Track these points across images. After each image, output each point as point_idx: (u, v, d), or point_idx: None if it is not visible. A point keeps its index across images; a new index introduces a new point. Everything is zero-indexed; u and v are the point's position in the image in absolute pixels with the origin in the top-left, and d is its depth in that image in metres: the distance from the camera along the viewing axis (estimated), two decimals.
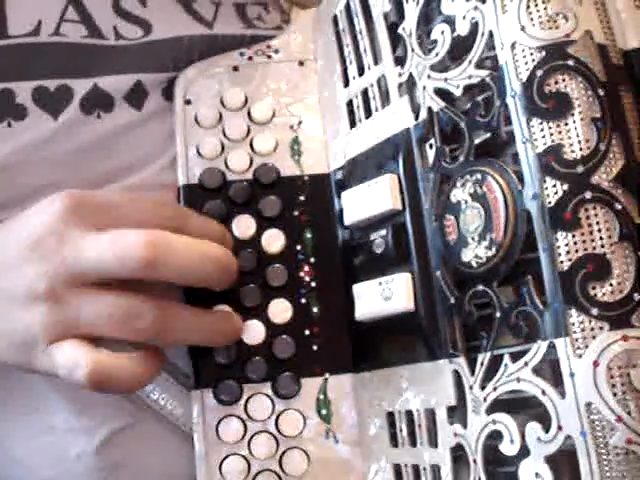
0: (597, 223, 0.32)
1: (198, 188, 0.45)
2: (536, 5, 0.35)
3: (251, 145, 0.46)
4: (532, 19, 0.35)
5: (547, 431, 0.33)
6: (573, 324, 0.32)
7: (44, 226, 0.40)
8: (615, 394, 0.31)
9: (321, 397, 0.43)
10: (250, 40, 0.49)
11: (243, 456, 0.42)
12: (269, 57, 0.48)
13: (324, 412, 0.43)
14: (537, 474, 0.33)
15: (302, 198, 0.45)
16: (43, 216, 0.40)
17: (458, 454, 0.37)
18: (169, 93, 0.48)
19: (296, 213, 0.45)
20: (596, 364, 0.31)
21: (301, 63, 0.48)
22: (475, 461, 0.36)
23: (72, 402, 0.46)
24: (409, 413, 0.40)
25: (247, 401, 0.43)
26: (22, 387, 0.47)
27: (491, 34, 0.36)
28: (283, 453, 0.42)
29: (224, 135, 0.46)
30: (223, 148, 0.46)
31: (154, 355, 0.41)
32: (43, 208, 0.41)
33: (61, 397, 0.46)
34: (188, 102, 0.47)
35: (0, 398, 0.47)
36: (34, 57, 0.46)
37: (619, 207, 0.32)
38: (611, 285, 0.32)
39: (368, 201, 0.41)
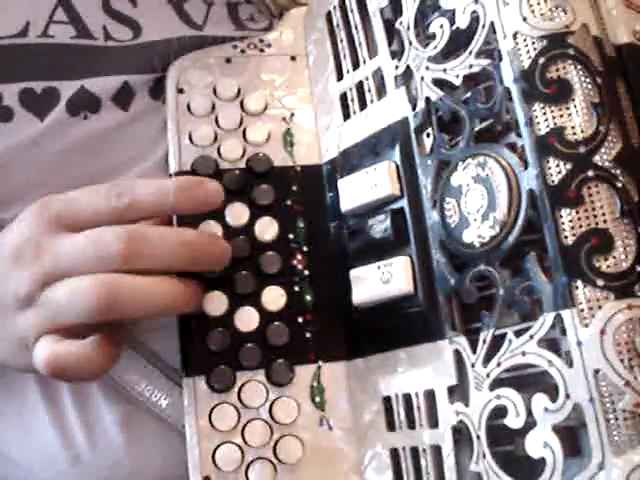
0: (600, 200, 0.34)
1: (190, 175, 0.45)
2: None
3: (244, 135, 0.46)
4: (533, 11, 0.37)
5: (554, 401, 0.34)
6: (579, 295, 0.33)
7: (21, 236, 0.41)
8: (622, 360, 0.32)
9: (315, 384, 0.43)
10: (239, 40, 0.49)
11: (237, 444, 0.41)
12: (261, 51, 0.48)
13: (318, 400, 0.43)
14: (545, 443, 0.34)
15: (295, 188, 0.46)
16: (19, 226, 0.42)
17: (459, 433, 0.38)
18: (156, 92, 0.48)
19: (289, 202, 0.45)
20: (603, 332, 0.33)
21: (293, 58, 0.49)
22: (478, 437, 0.36)
23: (65, 402, 0.46)
24: (407, 396, 0.40)
25: (240, 388, 0.42)
26: (12, 389, 0.46)
27: (492, 25, 0.38)
28: (277, 441, 0.42)
29: (217, 124, 0.46)
30: (216, 137, 0.46)
31: (112, 341, 0.40)
32: (20, 219, 0.42)
33: (53, 398, 0.46)
34: (181, 91, 0.47)
35: None
36: (21, 58, 0.46)
37: (619, 185, 0.34)
38: (614, 258, 0.33)
39: (366, 187, 0.42)
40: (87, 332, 0.40)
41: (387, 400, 0.41)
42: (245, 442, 0.41)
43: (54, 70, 0.46)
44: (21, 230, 0.42)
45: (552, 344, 0.34)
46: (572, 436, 0.33)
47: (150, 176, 0.47)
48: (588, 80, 0.35)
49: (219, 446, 0.41)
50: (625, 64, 0.37)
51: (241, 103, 0.47)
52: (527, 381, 0.35)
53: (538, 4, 0.37)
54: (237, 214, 0.44)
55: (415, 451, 0.39)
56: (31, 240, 0.41)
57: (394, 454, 0.41)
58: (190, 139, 0.46)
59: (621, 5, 0.38)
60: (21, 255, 0.41)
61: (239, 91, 0.47)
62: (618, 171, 0.34)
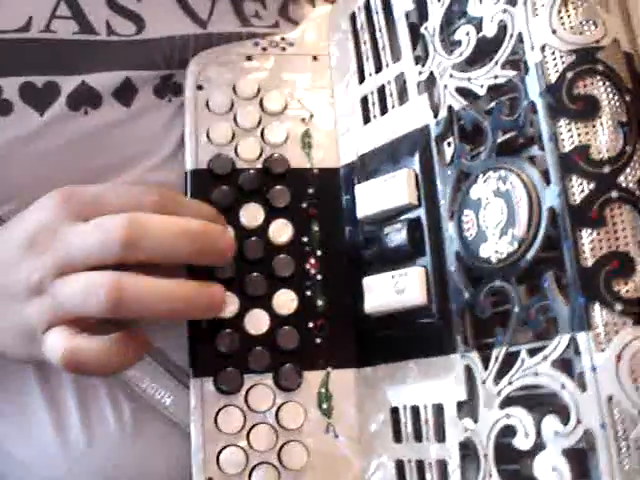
0: (622, 222, 0.33)
1: (206, 174, 0.44)
2: (567, 10, 0.36)
3: (262, 135, 0.46)
4: (563, 23, 0.36)
5: (565, 424, 0.33)
6: (596, 319, 0.33)
7: (38, 223, 0.41)
8: (637, 388, 0.31)
9: (322, 391, 0.43)
10: (246, 39, 0.49)
11: (241, 447, 0.41)
12: (283, 49, 0.48)
13: (325, 406, 0.43)
14: (554, 468, 0.33)
15: (311, 191, 0.45)
16: (37, 213, 0.42)
17: (467, 449, 0.37)
18: (160, 90, 0.47)
19: (304, 205, 0.45)
20: (619, 358, 0.32)
21: (315, 58, 0.48)
22: (486, 456, 0.36)
23: (68, 401, 0.45)
24: (415, 408, 0.40)
25: (248, 392, 0.42)
26: (12, 389, 0.46)
27: (520, 36, 0.37)
28: (282, 446, 0.42)
29: (235, 123, 0.46)
30: (234, 135, 0.45)
31: (133, 339, 0.40)
32: (38, 205, 0.42)
33: (55, 396, 0.46)
34: (200, 87, 0.46)
35: None
36: (23, 53, 0.46)
37: None
38: (634, 282, 0.33)
39: (384, 195, 0.42)
40: (100, 325, 0.40)
41: (395, 411, 0.41)
42: (250, 446, 0.41)
43: (55, 65, 0.46)
44: (38, 217, 0.41)
45: (566, 366, 0.34)
46: (582, 459, 0.33)
47: (153, 175, 0.46)
48: (616, 97, 0.35)
49: (224, 448, 0.41)
50: None
51: (260, 102, 0.46)
52: (538, 401, 0.35)
53: (569, 17, 0.36)
54: (252, 215, 0.44)
55: (421, 464, 0.39)
56: (47, 228, 0.40)
57: (399, 466, 0.40)
58: (208, 137, 0.45)
59: None
60: (35, 243, 0.40)
61: (259, 90, 0.46)
62: None
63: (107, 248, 0.38)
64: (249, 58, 0.47)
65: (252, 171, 0.45)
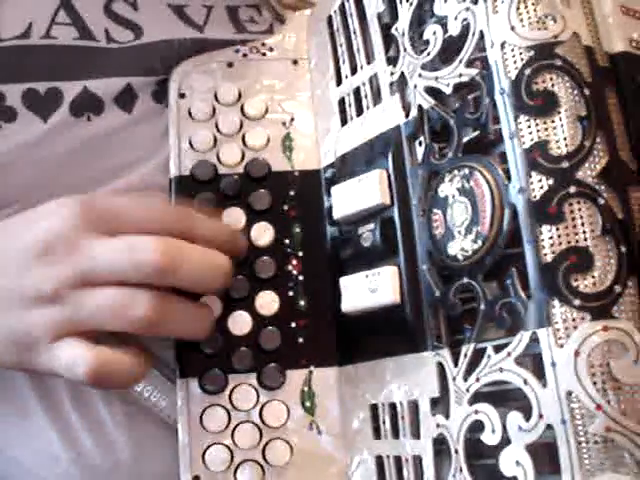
0: (581, 217, 0.33)
1: (189, 180, 0.46)
2: (526, 6, 0.36)
3: (243, 140, 0.47)
4: (522, 20, 0.36)
5: (528, 420, 0.33)
6: (555, 315, 0.33)
7: (53, 231, 0.40)
8: (595, 383, 0.31)
9: (305, 389, 0.44)
10: (241, 44, 0.50)
11: (226, 446, 0.42)
12: (263, 55, 0.49)
13: (308, 404, 0.43)
14: (518, 462, 0.33)
15: (292, 193, 0.46)
16: (52, 220, 0.40)
17: (440, 445, 0.38)
18: (159, 96, 0.49)
19: (286, 207, 0.46)
20: (577, 354, 0.32)
21: (295, 62, 0.49)
22: (457, 451, 0.36)
23: (65, 405, 0.47)
24: (392, 405, 0.40)
25: (232, 391, 0.43)
26: (9, 395, 0.47)
27: (482, 34, 0.37)
28: (266, 443, 0.42)
29: (217, 129, 0.47)
30: (215, 141, 0.46)
31: (145, 351, 0.41)
32: (51, 212, 0.41)
33: (52, 401, 0.47)
34: (182, 96, 0.47)
35: None
36: (24, 59, 0.47)
37: (602, 202, 0.33)
38: (593, 277, 0.33)
39: (357, 195, 0.42)
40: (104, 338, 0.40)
41: (374, 408, 0.41)
42: (235, 444, 0.42)
43: (57, 71, 0.47)
44: (52, 225, 0.40)
45: (528, 362, 0.34)
46: (544, 454, 0.33)
47: (152, 179, 0.47)
48: (575, 92, 0.34)
49: (209, 447, 0.42)
50: (618, 74, 0.36)
51: (241, 108, 0.47)
52: (504, 397, 0.35)
53: (527, 13, 0.36)
54: (234, 219, 0.45)
55: (398, 460, 0.40)
56: (65, 237, 0.39)
57: (379, 462, 0.41)
58: (190, 144, 0.46)
59: (618, 12, 0.37)
60: (51, 251, 0.39)
61: (240, 96, 0.47)
62: (602, 187, 0.33)
63: (139, 270, 0.38)
64: (230, 65, 0.48)
65: (234, 176, 0.46)
